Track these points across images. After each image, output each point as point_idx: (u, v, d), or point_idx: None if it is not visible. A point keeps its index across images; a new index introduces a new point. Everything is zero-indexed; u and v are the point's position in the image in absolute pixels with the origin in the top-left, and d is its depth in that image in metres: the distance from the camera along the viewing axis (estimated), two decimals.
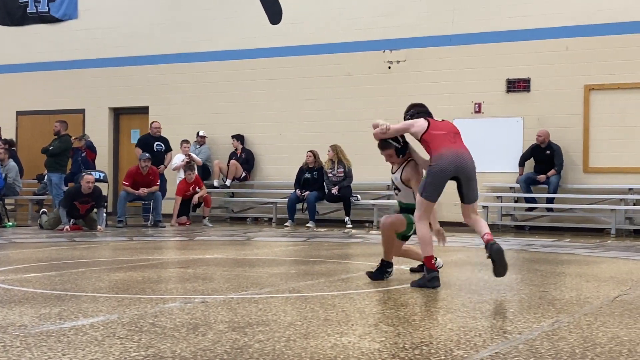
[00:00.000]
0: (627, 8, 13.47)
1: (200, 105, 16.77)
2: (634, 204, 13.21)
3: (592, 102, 13.70)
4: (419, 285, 5.75)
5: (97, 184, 13.28)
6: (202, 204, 14.56)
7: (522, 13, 14.14)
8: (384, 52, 15.22)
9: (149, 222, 14.21)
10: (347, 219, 13.95)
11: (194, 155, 15.44)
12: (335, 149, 14.28)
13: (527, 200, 13.83)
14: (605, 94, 13.61)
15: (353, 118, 15.27)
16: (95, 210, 12.83)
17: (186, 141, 15.62)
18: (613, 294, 5.53)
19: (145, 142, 15.39)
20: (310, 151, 14.54)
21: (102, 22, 17.79)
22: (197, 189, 14.51)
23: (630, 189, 13.28)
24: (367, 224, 14.24)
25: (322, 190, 14.27)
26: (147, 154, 14.51)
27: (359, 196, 14.37)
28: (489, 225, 13.48)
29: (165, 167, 15.39)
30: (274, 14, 16.25)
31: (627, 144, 13.41)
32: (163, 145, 15.55)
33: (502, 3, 14.36)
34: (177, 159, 15.36)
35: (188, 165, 14.66)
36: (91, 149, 16.78)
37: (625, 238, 12.35)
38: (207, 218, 14.48)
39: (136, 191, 13.98)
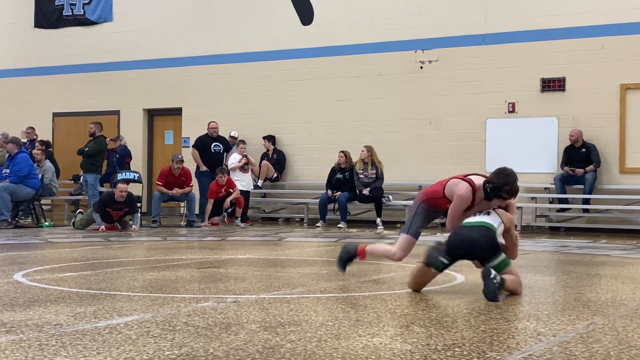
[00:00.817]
0: None
1: (232, 106, 16.84)
2: None
3: (629, 102, 13.52)
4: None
5: (131, 184, 13.42)
6: (235, 205, 14.62)
7: (556, 11, 14.00)
8: (415, 52, 15.17)
9: (182, 222, 14.33)
10: (378, 220, 13.92)
11: (250, 157, 15.31)
12: (370, 149, 14.25)
13: (561, 200, 13.69)
14: None
15: (384, 118, 15.25)
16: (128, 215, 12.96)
17: (242, 141, 15.47)
18: None
19: (203, 144, 15.21)
20: (342, 151, 14.54)
21: (136, 25, 17.96)
22: (229, 190, 14.57)
23: None
24: (398, 225, 14.18)
25: (353, 191, 14.25)
26: (180, 155, 14.59)
27: (390, 197, 14.33)
28: (524, 226, 13.33)
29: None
30: (305, 15, 16.27)
31: None
32: (221, 146, 15.35)
33: (535, 1, 14.23)
34: (234, 159, 15.15)
35: (220, 169, 14.70)
36: (126, 154, 16.85)
37: None
38: (239, 218, 14.55)
39: (170, 191, 14.10)
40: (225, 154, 15.38)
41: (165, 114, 18.01)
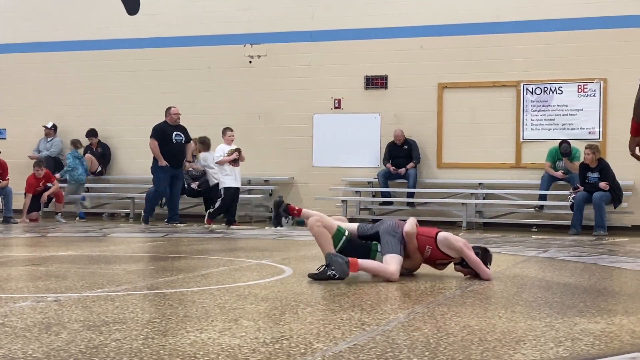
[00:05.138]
0: (479, 10, 14.07)
1: (54, 97, 16.15)
2: (484, 198, 13.84)
3: (445, 100, 14.23)
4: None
5: None
6: (54, 200, 14.05)
7: (381, 11, 14.50)
8: (244, 46, 15.20)
9: None
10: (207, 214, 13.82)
11: (241, 150, 13.12)
12: (199, 142, 14.09)
13: (384, 194, 14.21)
14: (457, 92, 14.17)
15: (214, 112, 15.16)
16: None
17: (229, 128, 13.32)
18: (465, 285, 5.76)
19: (163, 132, 13.17)
20: None
21: None
22: (47, 184, 13.97)
23: (480, 184, 13.90)
24: (180, 221, 14.10)
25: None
26: None
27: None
28: (348, 219, 13.78)
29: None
30: (131, 4, 15.86)
31: (477, 141, 14.03)
32: (183, 136, 13.36)
33: (362, 1, 14.66)
34: (221, 150, 13.06)
35: (37, 162, 14.04)
36: None
37: (475, 230, 12.92)
38: (59, 214, 13.99)
39: None
40: (186, 144, 13.50)
41: None
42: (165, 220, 13.34)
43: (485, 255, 6.07)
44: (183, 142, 13.37)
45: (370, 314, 4.42)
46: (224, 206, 12.97)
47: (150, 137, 13.29)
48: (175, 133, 13.29)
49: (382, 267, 5.86)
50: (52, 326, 3.93)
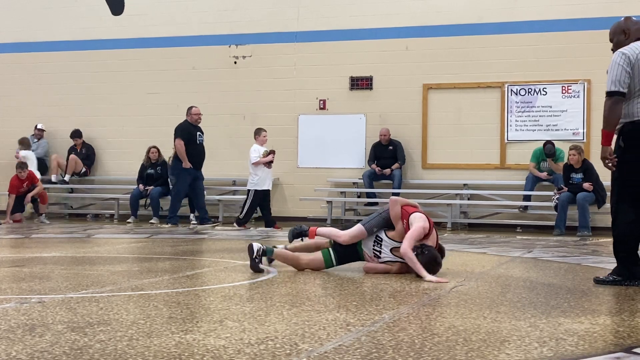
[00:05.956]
0: (462, 11, 14.12)
1: (38, 98, 16.07)
2: (468, 199, 13.89)
3: (430, 101, 14.27)
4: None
5: None
6: (38, 200, 13.97)
7: (366, 12, 14.52)
8: (229, 46, 15.18)
9: None
10: (192, 215, 13.80)
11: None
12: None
13: (369, 195, 14.22)
14: (442, 93, 14.22)
15: None
16: None
17: (263, 129, 13.16)
18: (449, 285, 5.77)
19: (188, 133, 12.92)
20: (154, 147, 14.31)
21: None
22: (30, 185, 13.90)
23: (464, 185, 13.94)
24: (212, 220, 14.13)
25: (166, 186, 14.04)
26: None
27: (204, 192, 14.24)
28: (333, 219, 13.75)
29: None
30: (116, 4, 15.81)
31: (462, 142, 14.08)
32: (203, 136, 13.23)
33: (346, 2, 14.68)
34: (257, 151, 12.84)
35: (20, 164, 13.96)
36: None
37: (460, 231, 12.96)
38: (43, 215, 13.92)
39: None
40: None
41: None
42: (195, 222, 13.39)
43: (422, 254, 6.10)
44: (203, 142, 13.28)
45: (356, 314, 4.42)
46: (253, 209, 12.83)
47: (177, 137, 12.92)
48: (198, 133, 13.15)
49: (335, 231, 6.64)
50: (36, 328, 3.91)
